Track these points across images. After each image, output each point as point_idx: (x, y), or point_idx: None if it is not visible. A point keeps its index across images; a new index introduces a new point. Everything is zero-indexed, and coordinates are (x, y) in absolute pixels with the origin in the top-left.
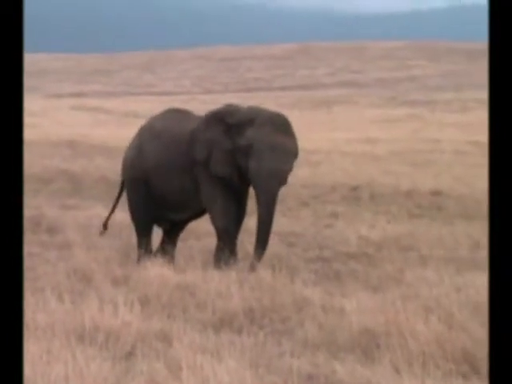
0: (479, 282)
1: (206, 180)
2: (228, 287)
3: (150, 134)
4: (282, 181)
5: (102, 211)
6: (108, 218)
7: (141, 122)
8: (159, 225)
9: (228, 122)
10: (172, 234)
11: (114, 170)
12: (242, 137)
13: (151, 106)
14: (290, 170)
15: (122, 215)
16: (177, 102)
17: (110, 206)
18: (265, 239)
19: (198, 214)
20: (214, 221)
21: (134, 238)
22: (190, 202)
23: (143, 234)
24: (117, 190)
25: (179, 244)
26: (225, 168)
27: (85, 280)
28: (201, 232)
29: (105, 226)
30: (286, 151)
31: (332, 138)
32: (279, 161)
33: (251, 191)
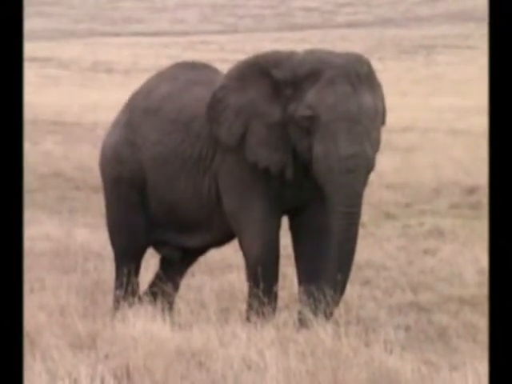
0: None
1: (233, 177)
2: (261, 354)
3: (145, 107)
4: (368, 172)
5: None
6: None
7: (117, 81)
8: (158, 251)
9: (275, 76)
10: (175, 267)
11: (72, 163)
12: (299, 102)
13: (133, 55)
14: (377, 147)
15: (87, 234)
16: (175, 48)
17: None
18: (344, 272)
19: (223, 239)
20: (243, 245)
21: (108, 272)
22: (208, 217)
23: (127, 265)
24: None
25: (182, 282)
26: (271, 154)
27: (26, 341)
28: (216, 262)
29: None
30: (372, 118)
31: (434, 107)
32: (363, 140)
33: None
